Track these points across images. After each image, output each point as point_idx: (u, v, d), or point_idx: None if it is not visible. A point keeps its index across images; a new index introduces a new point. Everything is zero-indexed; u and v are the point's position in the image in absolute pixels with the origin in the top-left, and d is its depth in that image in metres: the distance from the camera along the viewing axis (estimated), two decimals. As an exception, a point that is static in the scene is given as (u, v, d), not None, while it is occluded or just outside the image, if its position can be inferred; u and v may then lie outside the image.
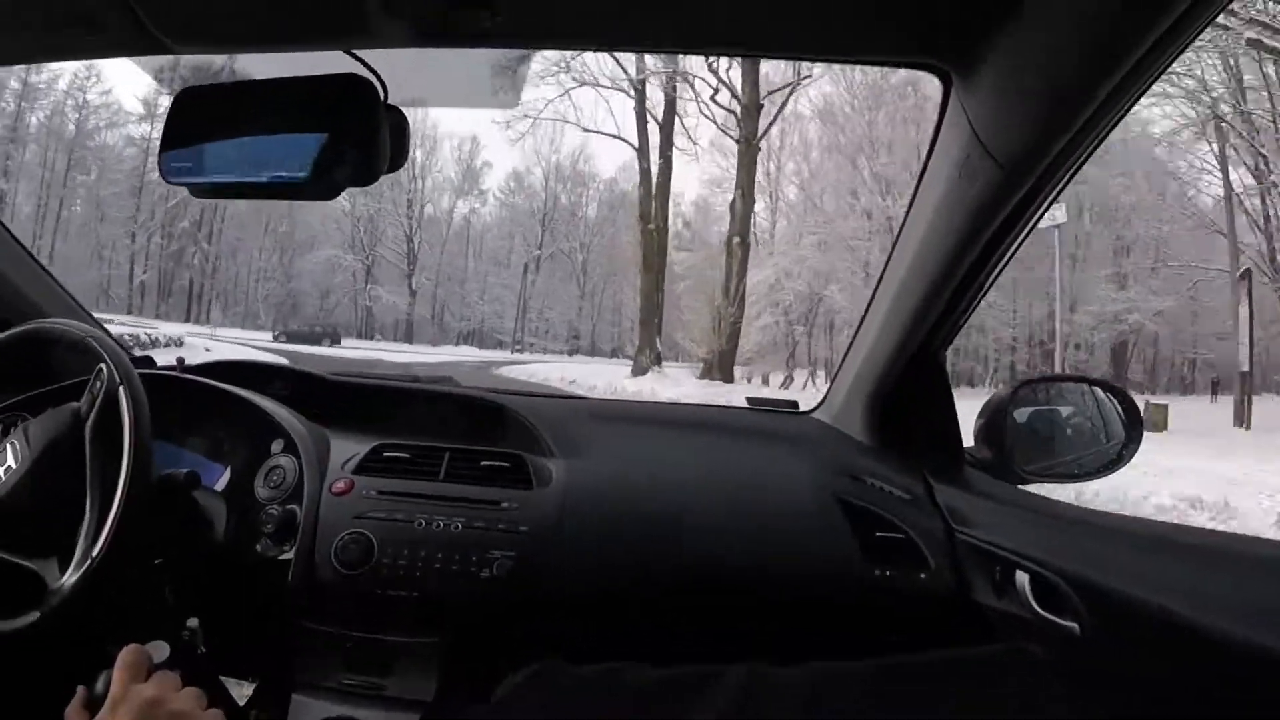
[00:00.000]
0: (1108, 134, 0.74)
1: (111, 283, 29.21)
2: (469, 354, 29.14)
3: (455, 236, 36.49)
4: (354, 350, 23.39)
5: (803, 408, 1.35)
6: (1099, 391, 1.10)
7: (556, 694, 0.75)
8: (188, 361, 1.30)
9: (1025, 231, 0.85)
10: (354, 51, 0.79)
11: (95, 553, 0.78)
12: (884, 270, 1.01)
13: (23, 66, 21.79)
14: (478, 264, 36.86)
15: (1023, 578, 0.89)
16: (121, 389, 0.84)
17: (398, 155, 0.75)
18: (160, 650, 0.85)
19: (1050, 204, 0.84)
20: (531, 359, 27.82)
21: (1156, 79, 0.67)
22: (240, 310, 32.43)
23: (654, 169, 19.30)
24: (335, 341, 26.94)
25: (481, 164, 36.48)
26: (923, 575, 0.98)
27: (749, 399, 1.36)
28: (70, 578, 0.78)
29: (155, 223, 29.10)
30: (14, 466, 0.84)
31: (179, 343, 12.90)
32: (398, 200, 33.65)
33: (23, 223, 26.21)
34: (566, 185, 35.72)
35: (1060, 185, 0.81)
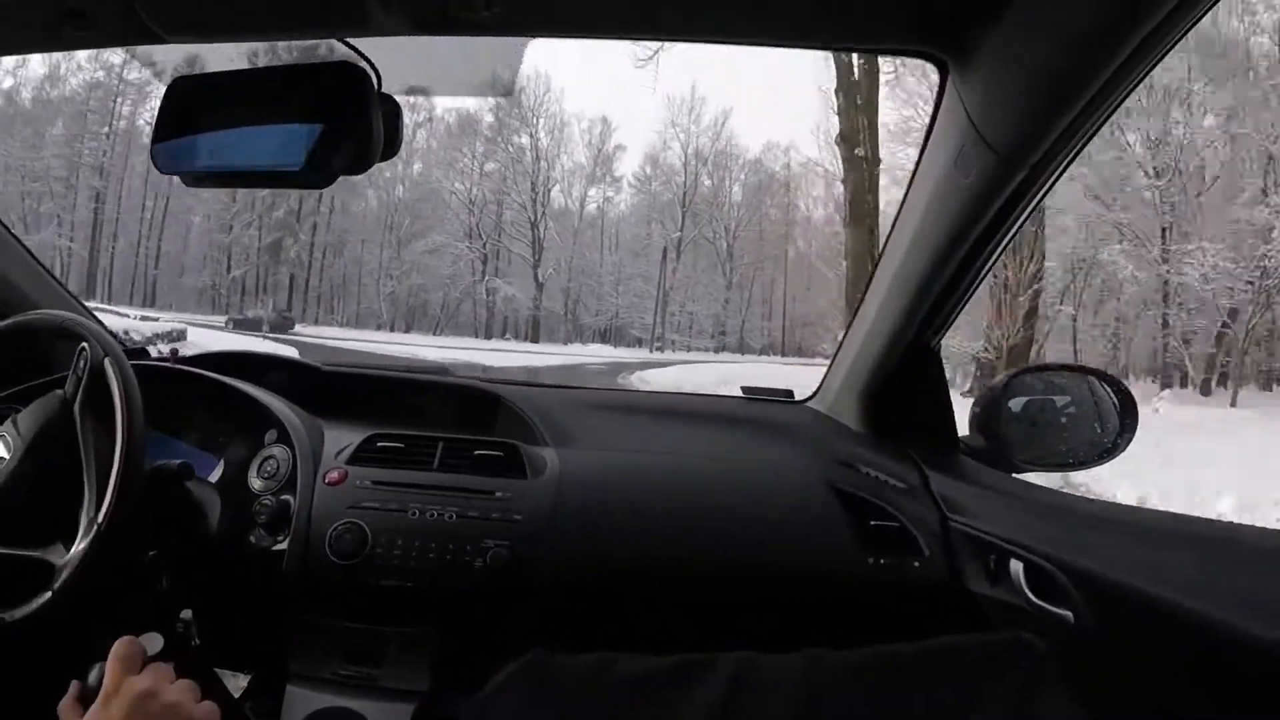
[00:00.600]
0: (1105, 121, 0.74)
1: (213, 282, 27.17)
2: (601, 353, 25.42)
3: (587, 225, 32.32)
4: (449, 350, 17.79)
5: (797, 396, 1.35)
6: (1094, 381, 1.10)
7: (548, 684, 0.75)
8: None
9: (1021, 220, 0.86)
10: (348, 40, 0.79)
11: (100, 521, 0.78)
12: (879, 259, 1.01)
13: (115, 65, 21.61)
14: (612, 254, 32.53)
15: (1017, 566, 0.90)
16: (107, 362, 0.84)
17: (391, 143, 0.75)
18: (154, 642, 0.85)
19: (1046, 192, 0.85)
20: (674, 359, 24.41)
21: (1154, 66, 0.67)
22: (355, 309, 29.42)
23: (856, 68, 11.60)
24: (286, 329, 22.19)
25: (615, 147, 32.08)
26: (917, 563, 0.98)
27: (744, 388, 1.36)
28: (78, 546, 0.79)
29: (254, 214, 26.76)
30: (5, 458, 0.84)
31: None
32: (519, 185, 29.93)
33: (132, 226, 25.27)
34: (708, 165, 31.06)
35: (1057, 174, 0.81)
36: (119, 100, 23.87)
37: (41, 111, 22.73)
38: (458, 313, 30.29)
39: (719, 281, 31.20)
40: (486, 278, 29.78)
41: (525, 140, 30.25)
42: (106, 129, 24.04)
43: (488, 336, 29.00)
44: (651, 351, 27.30)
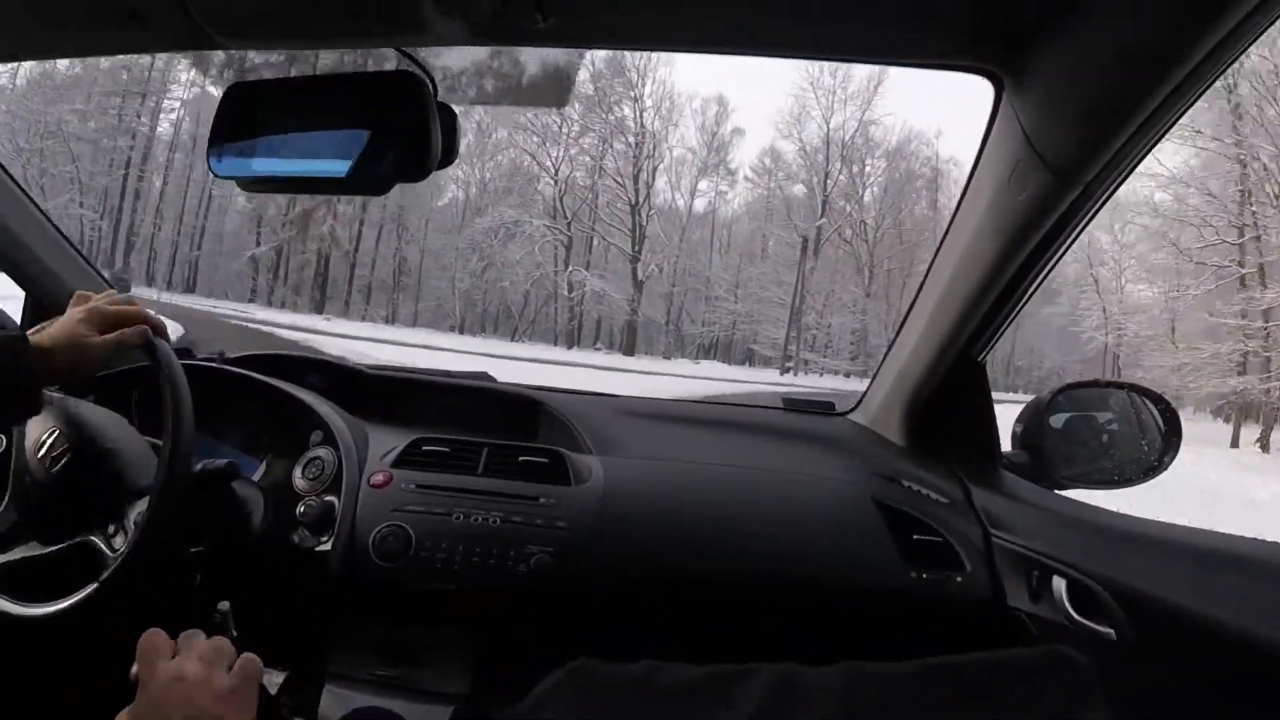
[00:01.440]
0: (1162, 137, 0.73)
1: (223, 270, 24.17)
2: (718, 373, 20.79)
3: (696, 221, 27.39)
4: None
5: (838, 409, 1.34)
6: (1136, 397, 1.09)
7: (593, 691, 0.75)
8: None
9: (1073, 236, 0.85)
10: (404, 49, 0.79)
11: (146, 518, 0.81)
12: (926, 274, 1.00)
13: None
14: (723, 256, 27.75)
15: (1059, 583, 0.89)
16: (161, 364, 0.85)
17: (448, 151, 0.76)
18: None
19: (1099, 209, 0.84)
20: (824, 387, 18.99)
21: (1214, 82, 0.67)
22: (420, 308, 25.29)
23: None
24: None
25: (731, 131, 27.22)
26: (959, 579, 0.97)
27: (784, 399, 1.36)
28: (124, 542, 0.82)
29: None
30: (56, 453, 0.86)
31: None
32: (620, 162, 25.10)
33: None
34: (852, 144, 25.85)
35: (1111, 190, 0.80)
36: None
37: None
38: (536, 315, 25.43)
39: (854, 290, 26.22)
40: (570, 268, 24.66)
41: (628, 111, 25.40)
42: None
43: (570, 346, 24.31)
44: (782, 373, 23.11)
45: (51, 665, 1.08)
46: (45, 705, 1.11)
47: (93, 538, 0.87)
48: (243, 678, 0.63)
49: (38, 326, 0.80)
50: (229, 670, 0.64)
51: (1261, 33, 0.60)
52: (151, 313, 0.85)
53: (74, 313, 0.80)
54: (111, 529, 0.87)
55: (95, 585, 0.81)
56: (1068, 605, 0.88)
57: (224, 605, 0.88)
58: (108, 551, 0.85)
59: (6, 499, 0.91)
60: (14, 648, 0.97)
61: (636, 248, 25.08)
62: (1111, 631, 0.83)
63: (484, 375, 1.40)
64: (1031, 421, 1.05)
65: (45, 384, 0.76)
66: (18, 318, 1.27)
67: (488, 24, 0.70)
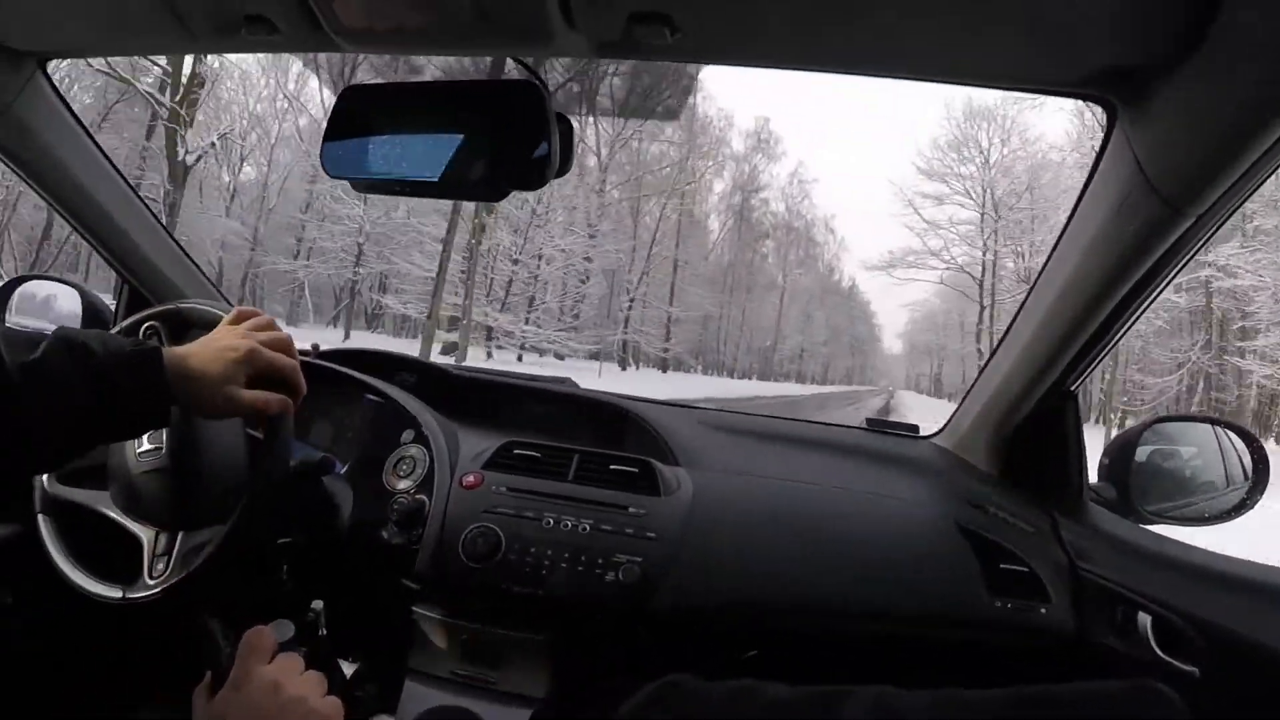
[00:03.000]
0: (1275, 170, 0.73)
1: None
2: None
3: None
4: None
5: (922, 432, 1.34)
6: (1221, 432, 1.07)
7: (689, 706, 0.75)
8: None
9: (1179, 268, 0.84)
10: (522, 60, 0.81)
11: (242, 509, 0.81)
12: (1025, 301, 0.99)
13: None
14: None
15: (1145, 618, 0.88)
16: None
17: (565, 161, 0.77)
18: (285, 629, 0.87)
19: (1206, 242, 0.83)
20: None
21: None
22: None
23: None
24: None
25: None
26: (1044, 610, 0.96)
27: (868, 420, 1.35)
28: (218, 531, 0.82)
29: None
30: (158, 447, 0.87)
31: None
32: None
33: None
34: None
35: (1221, 224, 0.79)
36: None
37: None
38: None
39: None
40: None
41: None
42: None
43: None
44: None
45: (128, 642, 1.10)
46: (120, 680, 1.13)
47: (156, 532, 0.88)
48: (335, 711, 0.63)
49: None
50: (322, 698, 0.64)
51: None
52: (299, 371, 0.78)
53: (229, 341, 0.73)
54: (174, 537, 0.88)
55: (186, 573, 0.83)
56: (1152, 641, 0.87)
57: (318, 604, 0.89)
58: (163, 550, 0.86)
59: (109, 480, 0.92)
60: (93, 623, 0.99)
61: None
62: (1195, 670, 0.82)
63: (568, 381, 1.41)
64: (1118, 454, 1.03)
65: (175, 403, 0.69)
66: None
67: (617, 37, 0.71)
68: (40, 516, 0.92)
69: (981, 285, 22.01)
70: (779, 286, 30.89)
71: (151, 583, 0.85)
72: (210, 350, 0.72)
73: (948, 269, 23.00)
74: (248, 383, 0.72)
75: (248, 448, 0.91)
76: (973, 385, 1.18)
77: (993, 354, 1.11)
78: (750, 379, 29.11)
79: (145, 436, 0.87)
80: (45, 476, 0.93)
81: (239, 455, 0.93)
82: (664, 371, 25.38)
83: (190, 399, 0.69)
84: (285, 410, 0.77)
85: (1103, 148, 0.81)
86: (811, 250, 32.72)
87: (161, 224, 1.25)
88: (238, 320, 0.79)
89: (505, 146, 0.77)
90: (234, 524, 0.82)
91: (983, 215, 21.66)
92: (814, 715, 0.73)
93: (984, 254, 21.82)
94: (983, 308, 22.03)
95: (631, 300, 23.26)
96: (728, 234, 28.88)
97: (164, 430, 0.86)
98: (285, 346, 0.77)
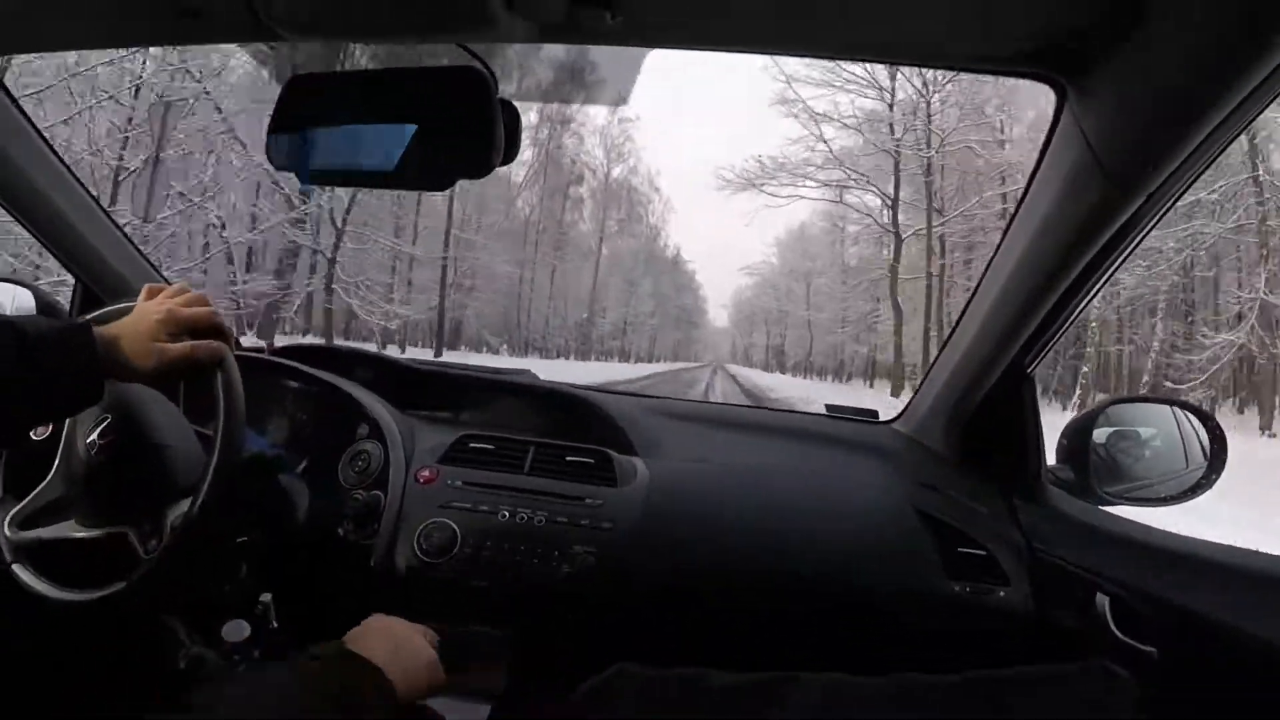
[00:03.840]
0: (1227, 147, 0.73)
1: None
2: None
3: None
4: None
5: (882, 417, 1.34)
6: (1179, 413, 1.08)
7: (638, 695, 0.75)
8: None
9: (1131, 247, 0.84)
10: (466, 45, 0.80)
11: (194, 507, 0.80)
12: (979, 283, 1.00)
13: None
14: None
15: (1102, 599, 0.88)
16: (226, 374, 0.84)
17: (510, 149, 0.76)
18: (239, 629, 0.86)
19: (1160, 218, 0.83)
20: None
21: None
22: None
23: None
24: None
25: None
26: (1002, 592, 0.96)
27: (828, 405, 1.35)
28: (170, 529, 0.81)
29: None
30: (103, 442, 0.85)
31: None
32: None
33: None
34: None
35: (1172, 201, 0.80)
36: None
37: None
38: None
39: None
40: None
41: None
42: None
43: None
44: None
45: (80, 645, 1.08)
46: (73, 683, 1.11)
47: (129, 530, 0.86)
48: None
49: (100, 313, 0.80)
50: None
51: None
52: (222, 319, 0.83)
53: (147, 308, 0.78)
54: (148, 527, 0.86)
55: (124, 584, 0.81)
56: (1110, 622, 0.87)
57: (265, 597, 0.89)
58: (140, 550, 0.85)
59: (53, 471, 0.91)
60: (43, 626, 0.97)
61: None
62: (1154, 650, 0.83)
63: (526, 373, 1.40)
64: (1076, 436, 1.04)
65: (108, 377, 0.72)
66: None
67: (557, 22, 0.70)
68: (15, 567, 0.89)
69: (896, 205, 15.96)
70: (595, 251, 26.56)
71: (92, 589, 0.84)
72: (132, 319, 0.77)
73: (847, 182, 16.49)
74: (172, 340, 0.77)
75: (201, 445, 0.89)
76: (930, 367, 1.19)
77: (949, 337, 1.11)
78: (568, 358, 25.52)
79: (94, 429, 0.86)
80: (5, 527, 0.90)
81: (192, 445, 0.92)
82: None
83: (121, 367, 0.73)
84: (220, 355, 0.81)
85: (1052, 128, 0.81)
86: (634, 210, 28.07)
87: (111, 217, 1.23)
88: (150, 295, 0.82)
89: (450, 135, 0.76)
90: (179, 530, 0.80)
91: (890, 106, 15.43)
92: (761, 703, 0.74)
93: (895, 158, 15.54)
94: (898, 237, 16.54)
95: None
96: (535, 177, 23.98)
97: (109, 419, 0.85)
98: (199, 300, 0.82)
